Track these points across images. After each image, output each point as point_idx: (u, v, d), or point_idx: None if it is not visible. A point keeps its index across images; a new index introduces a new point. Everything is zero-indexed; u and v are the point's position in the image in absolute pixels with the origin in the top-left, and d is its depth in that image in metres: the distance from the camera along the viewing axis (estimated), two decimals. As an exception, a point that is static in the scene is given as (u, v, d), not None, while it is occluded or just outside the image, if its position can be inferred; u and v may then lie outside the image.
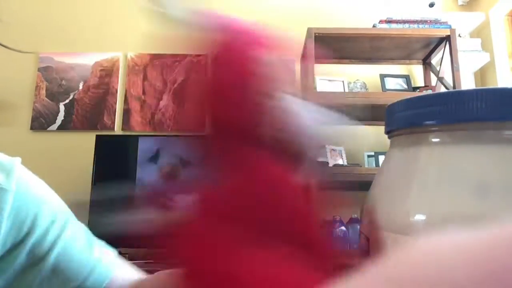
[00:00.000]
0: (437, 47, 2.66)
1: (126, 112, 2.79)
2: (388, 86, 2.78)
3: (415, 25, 2.60)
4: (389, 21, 2.63)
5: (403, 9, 2.86)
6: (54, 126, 2.83)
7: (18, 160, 0.52)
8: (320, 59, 2.70)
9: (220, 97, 0.39)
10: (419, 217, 0.22)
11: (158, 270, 0.47)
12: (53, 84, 2.89)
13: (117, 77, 2.84)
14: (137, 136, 2.50)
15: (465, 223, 0.20)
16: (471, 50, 2.74)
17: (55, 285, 0.45)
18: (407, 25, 2.59)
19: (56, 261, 0.45)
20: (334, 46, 2.67)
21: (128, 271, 0.52)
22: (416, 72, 3.00)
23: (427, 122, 0.22)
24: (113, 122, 2.78)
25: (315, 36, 2.52)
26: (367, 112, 2.48)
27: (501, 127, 0.21)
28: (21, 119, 2.84)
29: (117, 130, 2.78)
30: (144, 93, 2.83)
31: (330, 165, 2.54)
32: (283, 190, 0.33)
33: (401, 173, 0.24)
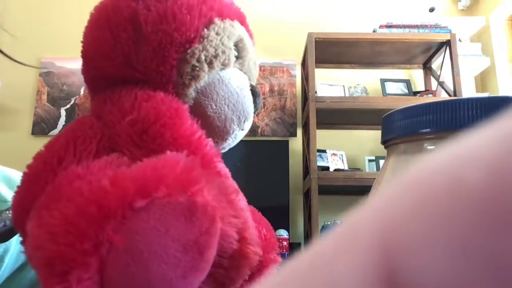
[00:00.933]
0: (438, 51, 2.67)
1: (127, 117, 2.80)
2: (388, 91, 2.79)
3: (416, 30, 2.61)
4: (389, 26, 2.64)
5: (403, 13, 2.87)
6: (55, 131, 2.83)
7: None
8: (320, 63, 2.71)
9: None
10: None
11: None
12: (54, 89, 2.90)
13: (118, 82, 2.85)
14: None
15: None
16: (472, 55, 2.75)
17: None
18: (407, 30, 2.61)
19: None
20: (334, 51, 2.68)
21: None
22: (417, 76, 3.01)
23: (423, 130, 0.22)
24: (114, 127, 2.79)
25: (316, 41, 2.54)
26: (367, 116, 2.49)
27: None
28: (22, 124, 2.85)
29: (118, 135, 2.79)
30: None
31: (331, 169, 2.55)
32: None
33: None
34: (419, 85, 2.98)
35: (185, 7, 0.37)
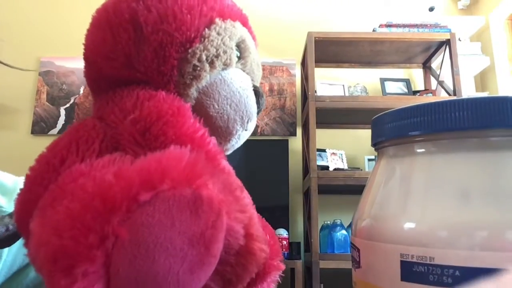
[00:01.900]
0: (437, 51, 2.67)
1: (127, 116, 2.80)
2: (388, 90, 2.79)
3: (415, 29, 2.61)
4: (389, 25, 2.64)
5: (403, 13, 2.87)
6: (55, 130, 2.84)
7: (23, 180, 0.54)
8: (320, 63, 2.71)
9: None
10: (408, 225, 0.22)
11: None
12: (54, 88, 2.90)
13: (118, 81, 2.85)
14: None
15: (453, 230, 0.20)
16: (471, 54, 2.75)
17: None
18: (407, 29, 2.60)
19: None
20: (334, 50, 2.68)
21: None
22: (416, 76, 3.01)
23: (412, 133, 0.22)
24: (114, 126, 2.79)
25: (315, 40, 2.54)
26: (367, 116, 2.49)
27: (484, 135, 0.21)
28: (21, 123, 2.86)
29: (118, 134, 2.79)
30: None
31: (331, 168, 2.55)
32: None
33: (389, 183, 0.24)
34: (419, 85, 2.98)
35: (186, 7, 0.37)
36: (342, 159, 2.71)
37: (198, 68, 0.37)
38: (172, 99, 0.36)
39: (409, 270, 0.21)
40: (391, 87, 2.82)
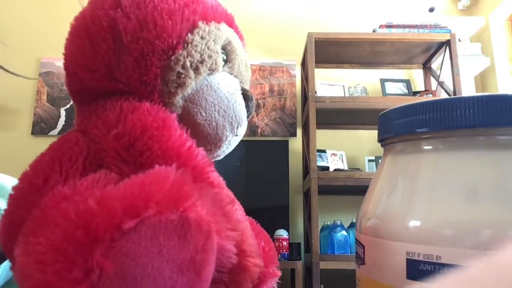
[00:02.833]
0: (437, 51, 2.67)
1: (127, 117, 2.80)
2: (388, 91, 2.78)
3: (415, 30, 2.61)
4: (389, 26, 2.64)
5: (403, 13, 2.87)
6: (55, 131, 2.83)
7: None
8: (320, 63, 2.71)
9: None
10: (414, 223, 0.22)
11: None
12: (54, 89, 2.90)
13: (118, 82, 2.85)
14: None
15: (459, 229, 0.20)
16: (471, 55, 2.74)
17: None
18: (407, 30, 2.60)
19: None
20: (334, 50, 2.68)
21: None
22: (417, 76, 3.00)
23: (419, 130, 0.22)
24: (114, 127, 2.79)
25: (316, 41, 2.53)
26: (367, 116, 2.49)
27: (492, 133, 0.21)
28: (22, 124, 2.85)
29: (118, 135, 2.78)
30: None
31: (331, 169, 2.54)
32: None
33: (395, 180, 0.24)
34: (419, 85, 2.98)
35: (166, 12, 0.35)
36: (342, 160, 2.71)
37: (183, 76, 0.36)
38: (156, 111, 0.34)
39: (415, 268, 0.21)
40: (391, 88, 2.82)
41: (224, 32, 0.40)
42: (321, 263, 2.22)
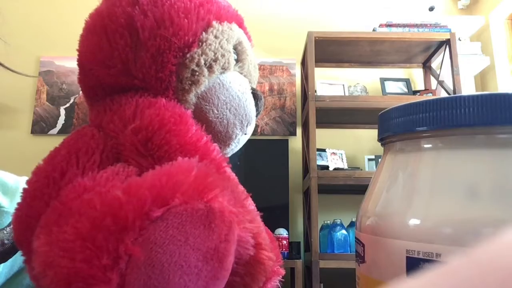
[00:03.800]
0: (437, 50, 2.67)
1: (127, 116, 2.80)
2: (388, 90, 2.78)
3: (415, 29, 2.61)
4: (389, 25, 2.64)
5: (403, 13, 2.87)
6: (55, 130, 2.83)
7: (25, 180, 0.53)
8: (320, 62, 2.71)
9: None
10: (414, 221, 0.22)
11: None
12: (53, 88, 2.90)
13: (118, 81, 2.85)
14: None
15: (459, 227, 0.20)
16: (471, 54, 2.74)
17: None
18: (407, 29, 2.60)
19: None
20: (334, 50, 2.68)
21: None
22: (416, 75, 3.00)
23: (419, 128, 0.22)
24: (114, 126, 2.79)
25: (315, 40, 2.53)
26: (367, 115, 2.49)
27: (492, 131, 0.21)
28: (21, 123, 2.85)
29: (118, 134, 2.78)
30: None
31: (331, 168, 2.54)
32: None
33: (395, 179, 0.24)
34: (419, 84, 2.98)
35: (182, 11, 0.36)
36: (342, 159, 2.71)
37: (197, 73, 0.37)
38: (173, 106, 0.35)
39: (415, 266, 0.21)
40: (391, 87, 2.82)
41: (235, 32, 0.40)
42: (320, 262, 2.22)
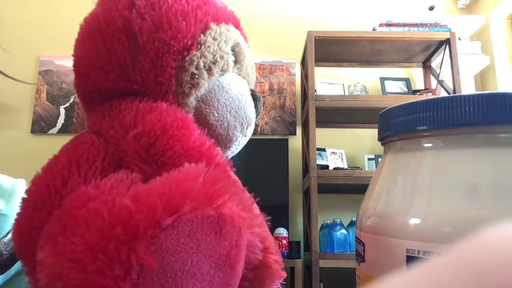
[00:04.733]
0: (437, 50, 2.67)
1: (127, 115, 2.80)
2: (388, 89, 2.78)
3: (415, 28, 2.60)
4: (389, 24, 2.64)
5: (403, 12, 2.87)
6: (55, 130, 2.83)
7: (21, 182, 0.52)
8: (320, 62, 2.71)
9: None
10: (414, 221, 0.22)
11: None
12: (53, 87, 2.89)
13: (118, 80, 2.84)
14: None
15: (459, 226, 0.20)
16: (471, 53, 2.74)
17: None
18: (407, 28, 2.60)
19: None
20: (334, 49, 2.68)
21: None
22: (416, 75, 3.00)
23: (419, 128, 0.22)
24: (114, 125, 2.79)
25: (315, 39, 2.53)
26: (367, 115, 2.49)
27: (492, 131, 0.21)
28: (21, 122, 2.85)
29: (118, 133, 2.78)
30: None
31: (331, 167, 2.54)
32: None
33: (395, 178, 0.24)
34: (419, 84, 2.98)
35: (180, 13, 0.35)
36: (342, 158, 2.71)
37: (196, 76, 0.36)
38: (174, 111, 0.34)
39: (415, 265, 0.21)
40: (391, 86, 2.82)
41: (233, 33, 0.40)
42: (320, 262, 2.22)
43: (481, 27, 2.90)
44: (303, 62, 2.76)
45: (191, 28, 0.36)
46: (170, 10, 0.35)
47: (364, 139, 2.81)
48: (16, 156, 2.68)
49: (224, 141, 0.39)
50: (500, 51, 2.75)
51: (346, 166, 2.66)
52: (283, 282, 0.39)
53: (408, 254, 0.21)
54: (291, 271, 2.31)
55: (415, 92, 2.80)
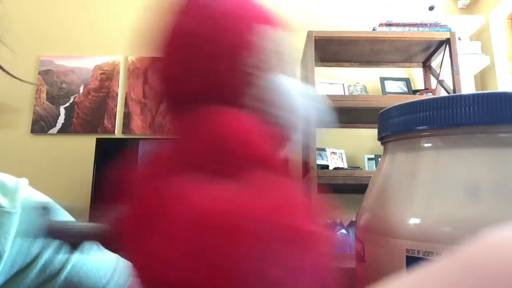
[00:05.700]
0: (437, 50, 2.67)
1: (127, 116, 2.80)
2: (388, 89, 2.78)
3: (415, 28, 2.60)
4: (389, 24, 2.64)
5: (403, 12, 2.87)
6: (55, 130, 2.83)
7: (24, 181, 0.52)
8: (320, 62, 2.71)
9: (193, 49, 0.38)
10: (414, 221, 0.22)
11: None
12: (53, 87, 2.89)
13: (118, 80, 2.85)
14: (137, 139, 2.51)
15: (458, 226, 0.20)
16: (471, 53, 2.74)
17: None
18: (407, 28, 2.60)
19: (69, 276, 0.46)
20: (334, 49, 2.68)
21: None
22: (416, 75, 3.00)
23: (419, 127, 0.22)
24: (114, 126, 2.79)
25: (315, 39, 2.53)
26: (367, 115, 2.49)
27: (492, 131, 0.21)
28: (21, 122, 2.85)
29: (118, 133, 2.78)
30: (144, 96, 2.84)
31: (331, 167, 2.54)
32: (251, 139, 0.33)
33: (395, 178, 0.24)
34: (419, 84, 2.98)
35: (246, 24, 0.38)
36: (342, 158, 2.71)
37: (258, 78, 0.38)
38: (245, 117, 0.35)
39: (415, 265, 0.21)
40: (391, 86, 2.82)
41: (282, 35, 0.42)
42: (320, 262, 2.22)
43: (481, 27, 2.90)
44: (303, 62, 2.76)
45: (249, 32, 0.39)
46: (239, 18, 0.38)
47: (364, 139, 2.81)
48: (16, 156, 2.68)
49: (280, 143, 0.41)
50: (500, 51, 2.75)
51: (346, 166, 2.66)
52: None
53: (408, 254, 0.21)
54: (291, 271, 2.30)
55: (415, 92, 2.80)
